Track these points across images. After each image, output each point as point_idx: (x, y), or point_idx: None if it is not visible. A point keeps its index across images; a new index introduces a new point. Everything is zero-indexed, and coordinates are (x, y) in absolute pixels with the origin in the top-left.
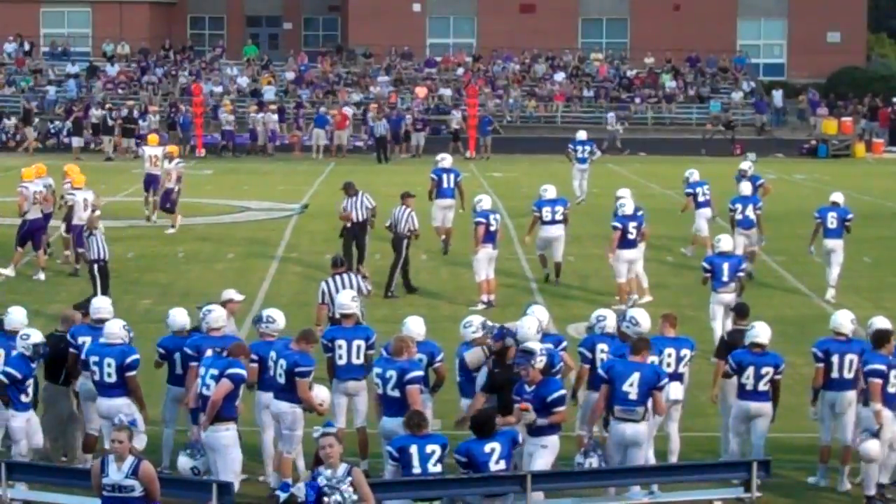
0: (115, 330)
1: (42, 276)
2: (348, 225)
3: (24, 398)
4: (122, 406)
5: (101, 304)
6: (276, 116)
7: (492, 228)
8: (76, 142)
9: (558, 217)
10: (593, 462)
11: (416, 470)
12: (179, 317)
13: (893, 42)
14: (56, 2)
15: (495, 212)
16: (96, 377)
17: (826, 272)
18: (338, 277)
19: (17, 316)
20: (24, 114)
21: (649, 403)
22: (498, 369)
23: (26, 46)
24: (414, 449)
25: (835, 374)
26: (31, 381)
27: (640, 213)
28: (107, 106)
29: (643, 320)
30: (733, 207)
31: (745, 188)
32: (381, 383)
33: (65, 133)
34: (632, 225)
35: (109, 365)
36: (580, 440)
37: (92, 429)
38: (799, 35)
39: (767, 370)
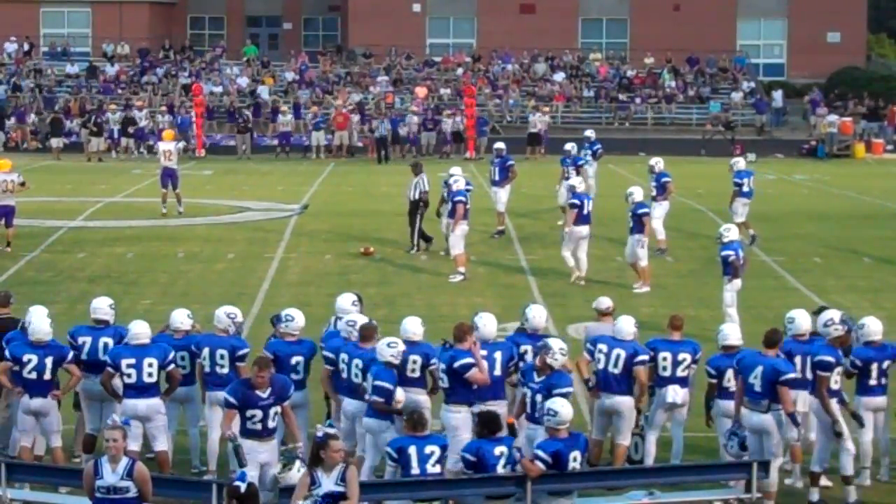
0: (146, 330)
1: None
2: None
3: None
4: (160, 406)
5: (100, 304)
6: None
7: (468, 206)
8: (55, 142)
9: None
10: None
11: (415, 471)
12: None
13: (893, 42)
14: (56, 2)
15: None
16: (130, 379)
17: None
18: None
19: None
20: (91, 120)
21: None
22: None
23: (26, 46)
24: (413, 450)
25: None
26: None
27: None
28: (110, 106)
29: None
30: (740, 181)
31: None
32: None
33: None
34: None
35: (150, 365)
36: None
37: (92, 429)
38: (799, 35)
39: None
